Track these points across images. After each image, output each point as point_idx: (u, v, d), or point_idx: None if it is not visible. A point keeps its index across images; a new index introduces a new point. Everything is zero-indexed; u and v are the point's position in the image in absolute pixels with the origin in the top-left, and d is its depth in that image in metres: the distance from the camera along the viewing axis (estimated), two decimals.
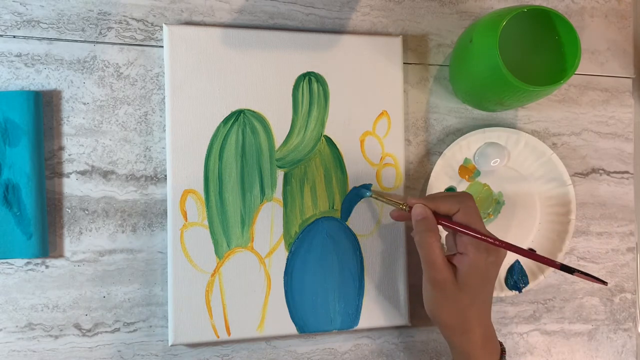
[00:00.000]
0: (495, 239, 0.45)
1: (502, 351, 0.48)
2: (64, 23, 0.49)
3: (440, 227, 0.47)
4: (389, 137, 0.55)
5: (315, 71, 0.53)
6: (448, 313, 0.46)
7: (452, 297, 0.45)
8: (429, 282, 0.46)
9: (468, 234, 0.45)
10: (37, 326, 0.48)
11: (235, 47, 0.51)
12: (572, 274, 0.43)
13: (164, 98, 0.51)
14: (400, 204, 0.49)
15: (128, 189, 0.50)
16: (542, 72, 0.51)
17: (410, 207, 0.47)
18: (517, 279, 0.57)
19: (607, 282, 0.43)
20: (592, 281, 0.43)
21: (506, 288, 0.56)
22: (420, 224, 0.46)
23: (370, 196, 0.52)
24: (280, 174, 0.52)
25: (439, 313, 0.46)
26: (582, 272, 0.43)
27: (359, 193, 0.53)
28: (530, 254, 0.45)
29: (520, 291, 0.56)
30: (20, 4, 0.48)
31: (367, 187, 0.53)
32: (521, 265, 0.57)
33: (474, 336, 0.46)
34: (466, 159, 0.57)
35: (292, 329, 0.52)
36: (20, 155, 0.47)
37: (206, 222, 0.50)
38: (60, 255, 0.49)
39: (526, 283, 0.57)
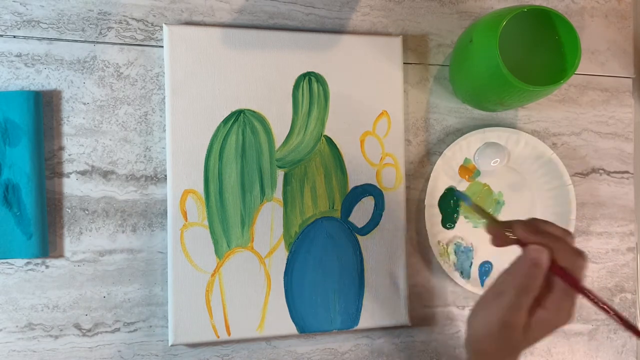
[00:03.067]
0: (605, 304, 0.40)
1: None
2: (64, 23, 0.49)
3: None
4: (389, 137, 0.55)
5: (315, 71, 0.53)
6: (495, 349, 0.41)
7: (512, 342, 0.41)
8: (501, 318, 0.40)
9: (573, 287, 0.40)
10: (37, 326, 0.48)
11: (235, 47, 0.51)
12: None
13: (164, 98, 0.51)
14: (506, 229, 0.42)
15: (128, 189, 0.50)
16: (542, 72, 0.51)
17: (519, 239, 0.41)
18: None
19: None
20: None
21: None
22: (532, 269, 0.39)
23: (471, 205, 0.45)
24: (280, 174, 0.52)
25: (486, 346, 0.41)
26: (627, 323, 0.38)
27: (458, 196, 0.49)
28: (617, 315, 0.39)
29: None
30: (20, 4, 0.48)
31: (464, 195, 0.49)
32: None
33: None
34: (466, 159, 0.57)
35: (292, 329, 0.52)
36: (20, 155, 0.47)
37: (206, 222, 0.50)
38: (60, 255, 0.49)
39: None
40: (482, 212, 0.44)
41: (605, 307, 0.40)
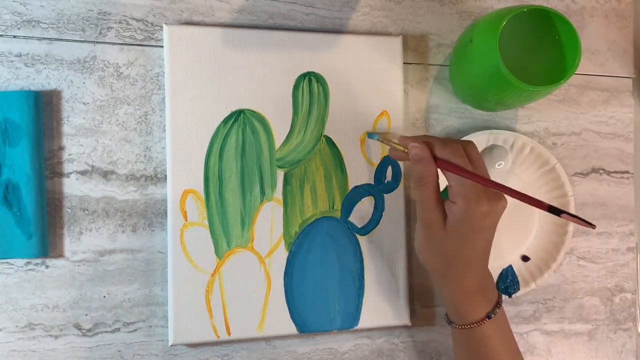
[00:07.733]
0: (487, 181, 0.43)
1: (497, 303, 0.47)
2: (64, 23, 0.49)
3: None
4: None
5: (315, 71, 0.53)
6: (433, 256, 0.47)
7: (438, 242, 0.45)
8: (419, 222, 0.46)
9: (458, 173, 0.43)
10: (37, 326, 0.48)
11: (235, 47, 0.51)
12: (559, 215, 0.41)
13: (164, 98, 0.51)
14: (403, 148, 0.47)
15: (128, 189, 0.50)
16: (542, 72, 0.51)
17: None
18: (508, 284, 0.57)
19: (595, 225, 0.40)
20: (580, 223, 0.40)
21: None
22: (417, 165, 0.45)
23: (378, 139, 0.52)
24: (280, 174, 0.52)
25: (425, 255, 0.47)
26: (569, 214, 0.40)
27: (370, 137, 0.54)
28: (518, 194, 0.42)
29: (510, 297, 0.56)
30: (20, 4, 0.48)
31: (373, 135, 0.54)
32: (514, 271, 0.57)
33: (460, 284, 0.46)
34: None
35: (292, 329, 0.52)
36: (20, 155, 0.47)
37: (206, 222, 0.50)
38: (60, 255, 0.49)
39: (516, 290, 0.56)
40: (389, 142, 0.50)
41: (501, 188, 0.43)
